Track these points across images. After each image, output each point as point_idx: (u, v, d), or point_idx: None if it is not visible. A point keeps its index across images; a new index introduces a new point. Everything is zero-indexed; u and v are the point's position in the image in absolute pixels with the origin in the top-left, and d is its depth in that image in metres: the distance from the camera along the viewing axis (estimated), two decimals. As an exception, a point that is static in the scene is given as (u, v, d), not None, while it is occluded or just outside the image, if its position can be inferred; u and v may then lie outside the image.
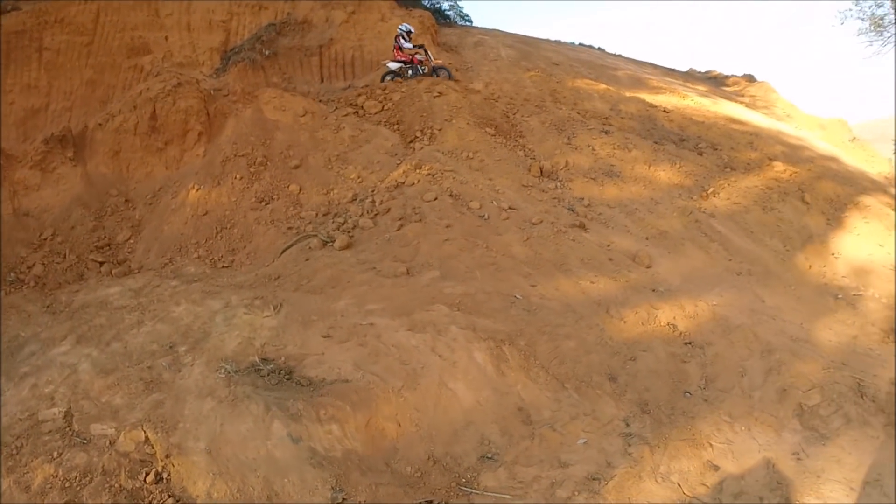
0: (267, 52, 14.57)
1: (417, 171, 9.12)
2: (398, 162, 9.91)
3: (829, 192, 10.43)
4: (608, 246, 8.19)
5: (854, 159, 16.03)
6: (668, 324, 6.52)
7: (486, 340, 5.77)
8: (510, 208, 8.54)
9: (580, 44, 25.67)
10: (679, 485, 4.64)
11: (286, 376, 5.51)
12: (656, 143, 11.80)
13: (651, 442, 5.01)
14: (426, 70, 14.18)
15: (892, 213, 10.40)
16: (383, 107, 12.02)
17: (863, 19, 21.46)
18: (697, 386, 5.72)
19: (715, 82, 23.55)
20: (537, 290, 6.85)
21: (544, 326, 6.19)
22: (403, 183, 8.99)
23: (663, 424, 5.26)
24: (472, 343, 5.72)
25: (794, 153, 12.91)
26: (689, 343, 6.22)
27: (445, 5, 27.10)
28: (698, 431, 5.15)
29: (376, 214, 8.49)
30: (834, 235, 9.46)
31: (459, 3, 29.25)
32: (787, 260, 8.77)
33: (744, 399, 5.53)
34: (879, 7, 20.95)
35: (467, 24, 25.40)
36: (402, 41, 14.10)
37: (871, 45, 21.84)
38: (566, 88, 14.31)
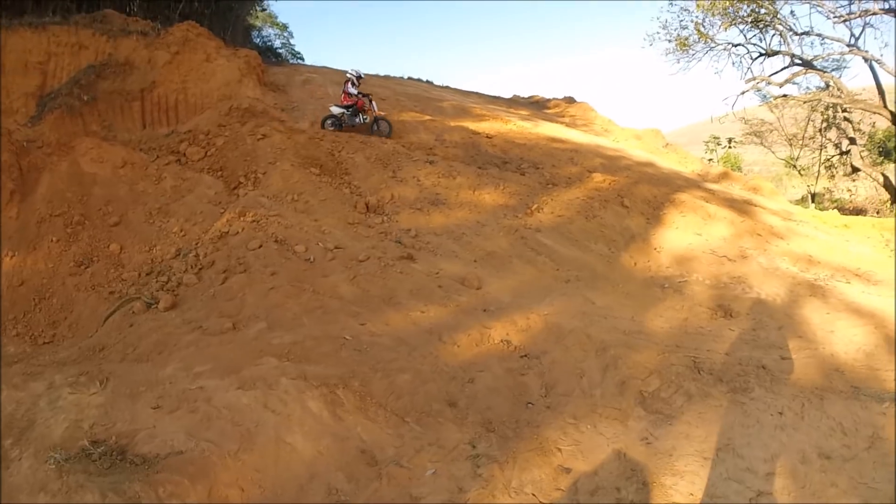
0: (86, 98, 13.57)
1: (241, 218, 8.78)
2: (222, 211, 9.52)
3: (646, 194, 11.15)
4: (437, 273, 8.20)
5: (668, 162, 17.35)
6: (501, 341, 6.58)
7: (319, 387, 5.54)
8: (336, 248, 8.38)
9: (409, 77, 26.12)
10: (534, 494, 4.65)
11: (119, 457, 4.96)
12: (480, 168, 12.16)
13: (500, 459, 4.99)
14: (368, 120, 14.23)
15: (706, 205, 11.22)
16: (206, 153, 11.57)
17: (669, 40, 23.59)
18: (538, 395, 5.81)
19: (537, 106, 24.76)
20: (367, 328, 6.72)
21: (377, 364, 6.05)
22: (227, 233, 8.60)
23: (510, 439, 5.26)
24: (305, 392, 5.46)
25: (612, 163, 13.79)
26: (525, 356, 6.31)
27: (278, 43, 26.91)
28: (545, 439, 5.20)
29: (200, 269, 8.02)
30: (654, 232, 10.14)
31: (292, 41, 29.21)
32: (612, 261, 9.26)
33: (586, 399, 5.69)
34: (684, 29, 23.10)
35: (299, 62, 25.24)
36: (350, 87, 14.03)
37: (677, 63, 24.09)
38: (392, 122, 14.42)
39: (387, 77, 24.03)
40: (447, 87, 25.32)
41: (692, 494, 4.64)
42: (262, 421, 5.19)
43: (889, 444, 5.76)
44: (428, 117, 14.98)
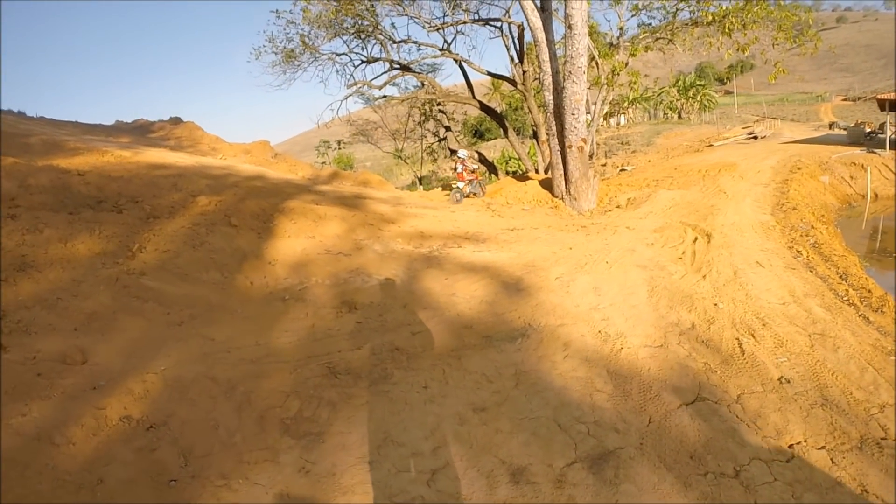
0: None
1: None
2: None
3: (254, 208, 10.76)
4: (34, 358, 6.47)
5: (279, 172, 17.28)
6: (121, 419, 5.38)
7: None
8: None
9: (-4, 111, 22.79)
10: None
11: None
12: (71, 213, 10.43)
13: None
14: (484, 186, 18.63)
15: (316, 207, 11.28)
16: None
17: (276, 53, 23.76)
18: (179, 467, 4.90)
19: (141, 131, 23.22)
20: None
21: (-14, 506, 4.66)
22: None
23: (161, 538, 4.37)
24: None
25: (218, 183, 13.10)
26: (152, 426, 5.28)
27: None
28: (200, 517, 4.43)
29: None
30: (267, 245, 9.76)
31: None
32: (227, 287, 8.52)
33: (229, 451, 5.04)
34: (290, 42, 23.43)
35: None
36: (470, 164, 18.09)
37: (283, 74, 24.53)
38: (17, 175, 12.04)
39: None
40: (40, 119, 22.47)
41: (370, 504, 4.43)
42: None
43: (532, 375, 6.23)
44: (11, 160, 12.62)
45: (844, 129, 36.26)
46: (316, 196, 12.80)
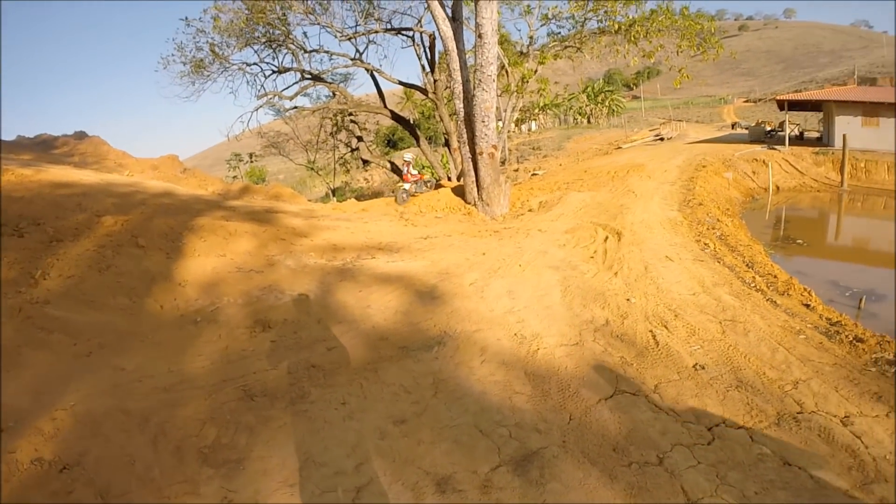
0: None
1: None
2: None
3: (162, 227, 10.34)
4: None
5: (188, 188, 16.74)
6: (32, 461, 4.92)
7: None
8: None
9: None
10: None
11: None
12: None
13: None
14: (431, 185, 20.39)
15: (226, 223, 10.96)
16: None
17: (185, 63, 23.01)
18: None
19: (44, 146, 22.17)
20: None
21: None
22: None
23: None
24: None
25: (125, 201, 12.53)
26: (66, 467, 4.89)
27: None
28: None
29: None
30: (177, 266, 9.37)
31: None
32: (137, 313, 8.05)
33: (147, 487, 4.78)
34: (200, 51, 22.75)
35: None
36: (412, 168, 19.86)
37: (192, 85, 23.81)
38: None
39: None
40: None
41: (293, 532, 4.29)
42: None
43: (450, 383, 6.22)
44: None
45: (746, 129, 38.11)
46: (226, 212, 12.44)
